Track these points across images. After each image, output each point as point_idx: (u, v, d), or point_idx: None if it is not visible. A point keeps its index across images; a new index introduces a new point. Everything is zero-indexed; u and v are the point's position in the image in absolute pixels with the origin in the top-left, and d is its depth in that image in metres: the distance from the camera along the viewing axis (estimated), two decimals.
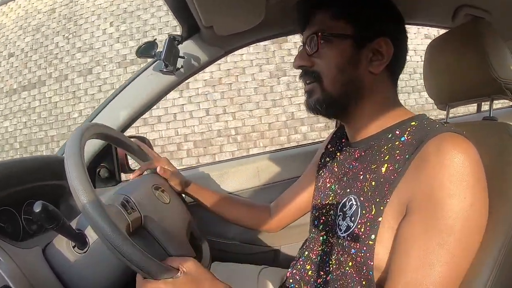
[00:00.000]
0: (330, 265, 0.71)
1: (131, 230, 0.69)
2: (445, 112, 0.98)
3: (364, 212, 0.64)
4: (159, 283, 0.60)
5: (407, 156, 0.60)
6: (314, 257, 0.79)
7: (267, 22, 0.98)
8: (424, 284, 0.53)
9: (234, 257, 1.18)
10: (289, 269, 0.87)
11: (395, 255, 0.58)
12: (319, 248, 0.78)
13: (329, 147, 0.92)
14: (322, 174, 0.88)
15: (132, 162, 1.15)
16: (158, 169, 0.97)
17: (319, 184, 0.88)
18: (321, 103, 0.72)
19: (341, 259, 0.68)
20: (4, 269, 0.62)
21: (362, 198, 0.65)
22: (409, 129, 0.65)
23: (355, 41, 0.68)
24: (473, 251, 0.57)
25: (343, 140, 0.85)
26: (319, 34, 0.69)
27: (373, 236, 0.61)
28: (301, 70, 0.75)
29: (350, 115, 0.73)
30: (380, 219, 0.60)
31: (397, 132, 0.66)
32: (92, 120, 1.13)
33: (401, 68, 0.74)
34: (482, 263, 0.61)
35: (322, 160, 0.92)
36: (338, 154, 0.84)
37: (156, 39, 1.08)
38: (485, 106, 1.06)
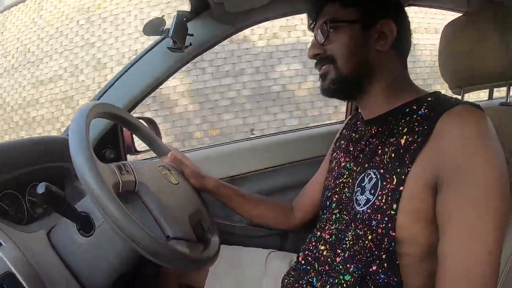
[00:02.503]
0: (347, 242, 0.72)
1: (120, 190, 0.67)
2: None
3: (384, 183, 0.66)
4: None
5: (425, 127, 0.63)
6: (328, 236, 0.79)
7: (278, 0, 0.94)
8: (480, 252, 0.55)
9: (241, 240, 1.17)
10: (300, 253, 0.86)
11: (444, 234, 0.59)
12: (333, 227, 0.78)
13: (344, 131, 0.95)
14: (336, 156, 0.90)
15: (138, 144, 1.12)
16: (169, 154, 0.95)
17: (332, 165, 0.90)
18: (335, 82, 0.76)
19: (360, 233, 0.69)
20: (6, 254, 0.60)
21: (382, 171, 0.67)
22: (425, 103, 0.69)
23: (362, 25, 0.74)
24: (506, 217, 0.58)
25: (358, 123, 0.87)
26: (328, 22, 0.75)
27: (394, 206, 0.63)
28: (315, 60, 0.80)
29: (363, 93, 0.78)
30: (401, 188, 0.63)
31: (414, 107, 0.70)
32: (98, 99, 1.10)
33: (407, 47, 0.79)
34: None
35: (337, 144, 0.95)
36: (353, 134, 0.85)
37: (164, 15, 1.03)
38: (496, 93, 1.05)
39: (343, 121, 1.55)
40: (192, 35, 1.06)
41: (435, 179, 0.60)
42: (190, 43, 1.08)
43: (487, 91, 1.02)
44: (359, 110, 0.86)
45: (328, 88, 0.78)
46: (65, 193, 0.64)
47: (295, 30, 5.62)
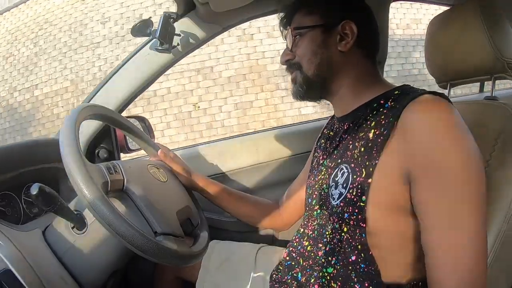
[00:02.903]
0: (327, 235, 0.74)
1: (108, 189, 0.70)
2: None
3: (355, 176, 0.68)
4: None
5: (391, 119, 0.65)
6: (311, 232, 0.81)
7: None
8: (463, 237, 0.58)
9: (232, 236, 1.19)
10: (286, 250, 0.89)
11: (423, 225, 0.62)
12: (314, 223, 0.81)
13: (324, 130, 0.97)
14: (316, 155, 0.93)
15: (131, 142, 1.15)
16: (158, 152, 0.97)
17: (313, 164, 0.92)
18: (302, 85, 0.81)
19: (336, 226, 0.72)
20: (4, 253, 0.63)
21: (352, 165, 0.70)
22: (392, 97, 0.71)
23: (323, 28, 0.79)
24: (485, 199, 0.60)
25: (335, 121, 0.89)
26: (293, 30, 0.81)
27: (364, 198, 0.66)
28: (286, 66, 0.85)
29: (331, 92, 0.82)
30: (370, 180, 0.65)
31: (382, 101, 0.72)
32: (89, 101, 1.12)
33: (373, 46, 0.83)
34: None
35: (318, 144, 0.98)
36: (331, 132, 0.89)
37: (151, 17, 1.05)
38: (488, 86, 1.05)
39: (332, 116, 1.56)
40: (179, 35, 1.08)
41: (405, 170, 0.62)
42: (178, 43, 1.10)
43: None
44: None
45: (297, 91, 0.83)
46: (59, 193, 0.67)
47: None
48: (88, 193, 0.60)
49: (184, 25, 1.10)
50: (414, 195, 0.62)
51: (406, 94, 0.69)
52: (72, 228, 0.73)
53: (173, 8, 1.09)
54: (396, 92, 0.72)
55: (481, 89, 1.04)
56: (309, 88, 0.81)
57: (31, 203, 0.85)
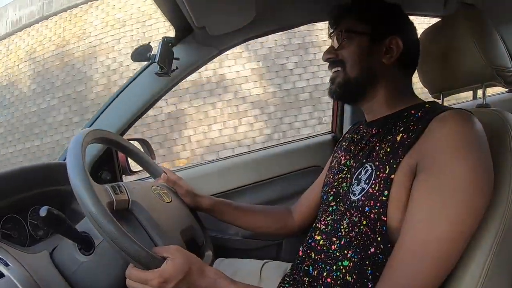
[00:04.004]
0: (342, 230, 0.76)
1: (114, 208, 0.71)
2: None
3: (378, 173, 0.71)
4: (146, 273, 0.63)
5: (420, 126, 0.69)
6: (324, 227, 0.83)
7: (259, 20, 1.00)
8: (429, 238, 0.60)
9: (237, 253, 1.19)
10: (300, 248, 0.89)
11: (406, 213, 0.65)
12: (328, 218, 0.83)
13: (346, 135, 1.01)
14: (337, 155, 0.96)
15: (133, 164, 1.16)
16: (162, 176, 0.98)
17: (333, 164, 0.96)
18: (341, 86, 0.84)
19: (355, 220, 0.74)
20: (14, 275, 0.64)
21: (377, 163, 0.73)
22: (423, 109, 0.75)
23: (371, 38, 0.82)
24: (478, 214, 0.61)
25: (361, 126, 0.93)
26: (343, 31, 0.83)
27: (386, 193, 0.68)
28: (328, 63, 0.88)
29: (365, 98, 0.85)
30: (393, 176, 0.68)
31: (412, 111, 0.76)
32: (91, 125, 1.14)
33: (413, 61, 0.87)
34: (478, 247, 0.63)
35: (338, 145, 1.01)
36: (355, 136, 0.92)
37: (150, 42, 1.09)
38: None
39: (330, 132, 1.60)
40: (178, 59, 1.12)
41: (415, 166, 0.66)
42: (177, 67, 1.13)
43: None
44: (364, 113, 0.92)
45: (335, 91, 0.86)
46: (65, 215, 0.68)
47: None
48: (95, 211, 0.62)
49: (182, 49, 1.14)
50: (412, 187, 0.65)
51: (435, 108, 0.72)
52: (80, 249, 0.74)
53: (171, 33, 1.13)
54: (427, 105, 0.76)
55: (474, 97, 1.06)
56: (346, 90, 0.84)
57: (37, 225, 0.86)
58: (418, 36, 0.89)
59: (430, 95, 1.01)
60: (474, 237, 0.63)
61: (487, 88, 0.86)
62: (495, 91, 1.78)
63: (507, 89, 1.69)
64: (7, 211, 0.80)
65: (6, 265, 0.66)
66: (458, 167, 0.61)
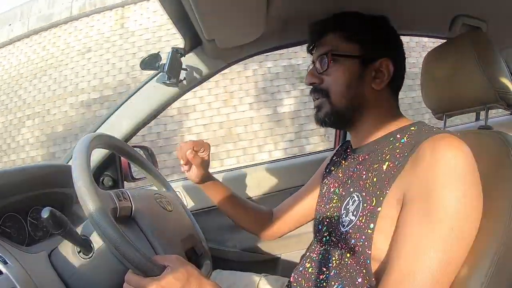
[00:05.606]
0: (333, 261, 0.74)
1: (117, 215, 0.72)
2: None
3: (365, 205, 0.68)
4: (145, 280, 0.62)
5: (406, 154, 0.65)
6: (315, 255, 0.82)
7: (268, 35, 1.01)
8: (416, 270, 0.56)
9: (235, 265, 1.18)
10: (292, 274, 0.88)
11: (392, 244, 0.62)
12: (321, 248, 0.81)
13: (334, 158, 0.97)
14: (327, 182, 0.92)
15: (135, 171, 1.17)
16: (189, 153, 0.94)
17: (323, 191, 0.92)
18: (329, 116, 0.79)
19: (343, 251, 0.72)
20: (12, 273, 0.64)
21: (364, 193, 0.70)
22: (408, 133, 0.71)
23: (361, 61, 0.76)
24: (467, 243, 0.59)
25: (348, 150, 0.90)
26: (330, 54, 0.76)
27: (372, 225, 0.65)
28: (311, 87, 0.82)
29: (355, 125, 0.81)
30: (379, 209, 0.65)
31: (398, 136, 0.72)
32: (97, 129, 1.15)
33: (401, 84, 0.82)
34: (477, 266, 0.62)
35: (327, 170, 0.97)
36: (343, 161, 0.89)
37: (160, 52, 1.11)
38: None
39: (332, 149, 1.61)
40: (186, 69, 1.14)
41: (402, 197, 0.62)
42: (184, 77, 1.15)
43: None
44: (349, 139, 0.90)
45: (322, 120, 0.81)
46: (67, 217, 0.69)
47: None
48: (98, 217, 0.62)
49: (190, 60, 1.16)
50: (398, 219, 0.62)
51: (421, 132, 0.69)
52: (79, 252, 0.74)
53: (180, 43, 1.15)
54: (413, 128, 0.72)
55: (477, 118, 1.07)
56: (336, 119, 0.80)
57: (36, 225, 0.86)
58: (423, 59, 0.90)
59: (434, 116, 1.03)
60: (469, 259, 0.61)
61: (489, 110, 0.86)
62: (498, 114, 1.80)
63: (510, 112, 1.70)
64: (8, 210, 0.80)
65: (5, 263, 0.66)
66: (446, 197, 0.58)
